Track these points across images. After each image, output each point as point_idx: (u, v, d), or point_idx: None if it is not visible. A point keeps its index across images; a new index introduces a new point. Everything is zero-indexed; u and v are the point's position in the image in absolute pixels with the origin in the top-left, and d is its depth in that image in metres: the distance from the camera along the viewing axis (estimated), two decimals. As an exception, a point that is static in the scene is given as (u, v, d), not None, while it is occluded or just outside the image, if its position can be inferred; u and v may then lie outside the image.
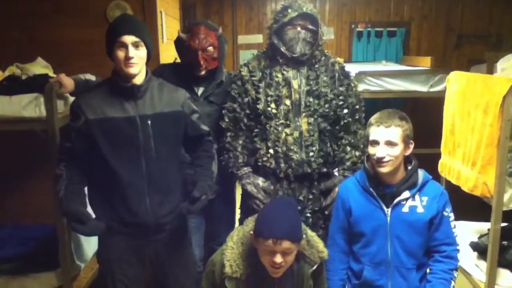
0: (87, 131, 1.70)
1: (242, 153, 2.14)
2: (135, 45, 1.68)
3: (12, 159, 2.74)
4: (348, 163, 2.16)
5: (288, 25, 2.06)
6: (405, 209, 1.77)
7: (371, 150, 1.76)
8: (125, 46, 1.67)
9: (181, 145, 1.92)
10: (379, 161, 1.73)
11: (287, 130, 2.07)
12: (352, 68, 3.30)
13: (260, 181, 2.13)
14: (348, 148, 2.16)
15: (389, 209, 1.78)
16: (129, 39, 1.67)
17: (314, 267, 1.71)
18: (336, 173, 2.20)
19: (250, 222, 1.78)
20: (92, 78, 2.36)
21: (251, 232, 1.67)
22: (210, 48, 2.18)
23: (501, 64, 2.65)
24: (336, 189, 2.10)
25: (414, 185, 1.78)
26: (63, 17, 3.05)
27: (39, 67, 2.46)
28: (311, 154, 2.07)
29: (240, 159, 2.14)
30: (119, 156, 1.72)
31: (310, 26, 2.07)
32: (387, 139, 1.71)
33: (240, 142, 2.15)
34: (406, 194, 1.77)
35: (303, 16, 2.05)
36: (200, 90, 2.26)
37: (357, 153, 2.16)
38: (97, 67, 2.85)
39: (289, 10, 2.04)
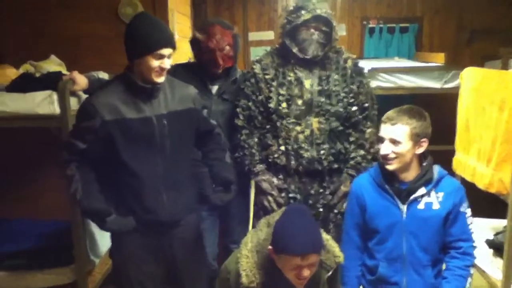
0: (103, 131, 1.68)
1: (257, 150, 2.15)
2: (169, 56, 1.70)
3: (26, 156, 2.77)
4: (352, 162, 2.15)
5: (301, 27, 2.04)
6: (421, 205, 1.76)
7: (379, 146, 1.77)
8: (162, 57, 1.67)
9: (193, 141, 1.93)
10: (384, 158, 1.75)
11: (298, 128, 2.06)
12: (364, 65, 3.25)
13: (275, 179, 2.13)
14: (353, 146, 2.15)
15: (405, 206, 1.77)
16: (167, 51, 1.68)
17: (330, 272, 1.69)
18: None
19: (263, 226, 1.75)
20: (105, 76, 2.37)
21: (270, 247, 1.61)
22: (227, 47, 2.20)
23: (517, 59, 2.62)
24: (342, 187, 2.12)
25: (430, 182, 1.76)
26: (75, 13, 3.06)
27: (53, 64, 2.49)
28: (322, 152, 2.07)
29: (256, 156, 2.14)
30: (135, 156, 1.72)
31: (323, 28, 2.05)
32: (391, 136, 1.72)
33: (255, 139, 2.15)
34: (422, 190, 1.76)
35: (317, 18, 2.03)
36: (214, 89, 2.27)
37: (362, 152, 2.15)
38: (109, 64, 2.85)
39: (303, 12, 2.02)
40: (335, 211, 2.15)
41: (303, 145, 2.06)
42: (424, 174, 1.77)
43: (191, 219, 1.93)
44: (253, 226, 2.15)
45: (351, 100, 2.11)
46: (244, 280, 1.62)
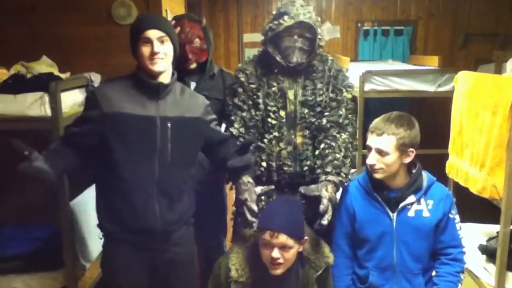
0: (100, 124, 1.63)
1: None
2: (160, 40, 1.64)
3: (16, 158, 2.73)
4: (329, 167, 1.90)
5: (284, 33, 1.94)
6: (411, 213, 1.75)
7: (367, 154, 1.76)
8: (150, 41, 1.62)
9: (197, 153, 1.85)
10: (371, 167, 1.74)
11: (282, 144, 1.99)
12: (359, 67, 3.27)
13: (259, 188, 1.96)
14: (327, 151, 1.95)
15: (395, 214, 1.75)
16: (154, 34, 1.62)
17: (319, 272, 1.69)
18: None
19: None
20: (98, 77, 2.34)
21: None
22: (197, 40, 2.19)
23: (510, 64, 2.62)
24: (325, 200, 1.76)
25: (419, 189, 1.75)
26: (67, 14, 3.04)
27: (44, 65, 2.46)
28: (305, 168, 2.00)
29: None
30: (130, 157, 1.64)
31: (307, 34, 1.95)
32: (377, 147, 1.70)
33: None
34: (411, 198, 1.74)
35: (300, 24, 1.93)
36: (192, 85, 2.25)
37: (338, 156, 1.93)
38: (101, 66, 2.85)
39: (286, 17, 1.92)
40: (316, 226, 2.02)
41: (286, 161, 1.99)
42: (414, 182, 1.74)
43: (186, 234, 1.84)
44: (234, 232, 2.14)
45: (328, 109, 2.00)
46: (233, 274, 1.67)
